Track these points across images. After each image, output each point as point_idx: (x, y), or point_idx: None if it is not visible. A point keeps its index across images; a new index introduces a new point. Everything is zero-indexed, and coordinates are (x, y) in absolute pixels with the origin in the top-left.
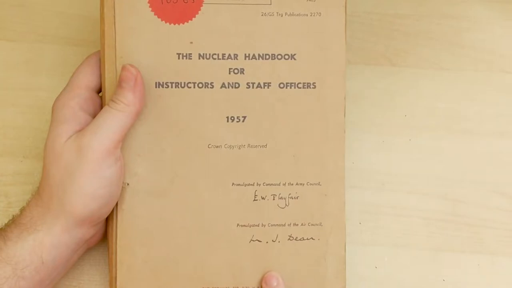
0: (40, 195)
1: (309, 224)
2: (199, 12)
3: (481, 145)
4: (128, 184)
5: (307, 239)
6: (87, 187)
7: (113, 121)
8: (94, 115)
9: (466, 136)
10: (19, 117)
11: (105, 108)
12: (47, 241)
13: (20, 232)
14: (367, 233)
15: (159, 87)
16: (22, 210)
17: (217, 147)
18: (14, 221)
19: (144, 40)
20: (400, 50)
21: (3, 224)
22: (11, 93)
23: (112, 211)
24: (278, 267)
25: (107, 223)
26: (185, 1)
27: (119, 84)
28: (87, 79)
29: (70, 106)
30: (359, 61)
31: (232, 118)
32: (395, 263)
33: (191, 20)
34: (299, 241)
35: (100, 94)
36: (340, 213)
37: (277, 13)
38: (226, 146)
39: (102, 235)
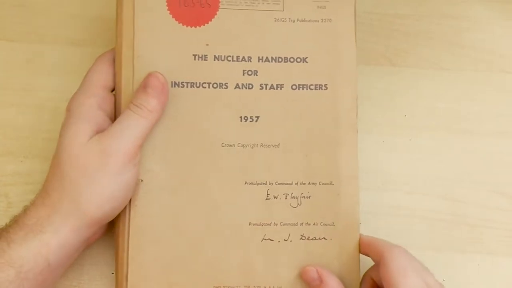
0: (49, 193)
1: (321, 224)
2: (215, 16)
3: (481, 145)
4: (142, 180)
5: (319, 239)
6: (106, 189)
7: (136, 126)
8: (109, 115)
9: (466, 136)
10: (19, 117)
11: (128, 112)
12: (54, 242)
13: (25, 234)
14: (367, 233)
15: (175, 86)
16: (27, 210)
17: (231, 146)
18: (17, 222)
19: (162, 41)
20: (400, 50)
21: (4, 224)
22: (11, 93)
23: (124, 207)
24: (290, 266)
25: (117, 221)
26: (202, 5)
27: (145, 89)
28: (103, 78)
29: (88, 105)
30: (359, 61)
31: (246, 118)
32: None
33: (207, 23)
34: (311, 240)
35: (113, 92)
36: (354, 213)
37: (289, 19)
38: (239, 145)
39: (102, 234)
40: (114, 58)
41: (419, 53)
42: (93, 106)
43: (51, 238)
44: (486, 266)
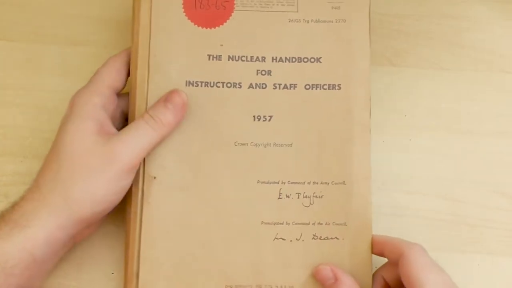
0: (40, 187)
1: (334, 223)
2: (230, 17)
3: (481, 145)
4: (155, 177)
5: (331, 238)
6: (100, 191)
7: (145, 138)
8: (111, 115)
9: (466, 136)
10: (19, 117)
11: (141, 122)
12: (40, 236)
13: (10, 229)
14: None
15: (189, 85)
16: (15, 205)
17: (243, 144)
18: (3, 217)
19: (177, 41)
20: (400, 50)
21: None
22: (11, 93)
23: (137, 204)
24: (302, 266)
25: (128, 218)
26: (217, 7)
27: (165, 103)
28: (112, 79)
29: (93, 103)
30: None
31: (259, 117)
32: None
33: (222, 24)
34: (323, 240)
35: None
36: (366, 214)
37: (304, 19)
38: (252, 144)
39: (89, 234)
40: (127, 59)
41: (419, 53)
42: (97, 105)
43: (37, 233)
44: (486, 266)
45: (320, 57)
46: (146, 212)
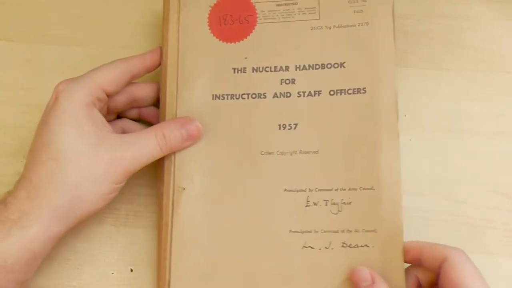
0: (35, 186)
1: (363, 230)
2: (253, 31)
3: (481, 145)
4: (184, 188)
5: (361, 246)
6: (107, 191)
7: (152, 155)
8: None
9: (466, 136)
10: (19, 117)
11: (153, 140)
12: (40, 234)
13: (9, 229)
14: None
15: (215, 99)
16: (8, 203)
17: (270, 153)
18: None
19: (204, 58)
20: (400, 50)
21: None
22: (11, 93)
23: (168, 215)
24: (331, 275)
25: (160, 229)
26: (241, 22)
27: (180, 129)
28: (107, 80)
29: (85, 104)
30: None
31: (284, 126)
32: None
33: (246, 38)
34: (353, 248)
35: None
36: (397, 220)
37: (326, 26)
38: (278, 152)
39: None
40: (131, 67)
41: (419, 53)
42: (90, 104)
43: (38, 232)
44: (486, 266)
45: (344, 62)
46: (176, 222)
